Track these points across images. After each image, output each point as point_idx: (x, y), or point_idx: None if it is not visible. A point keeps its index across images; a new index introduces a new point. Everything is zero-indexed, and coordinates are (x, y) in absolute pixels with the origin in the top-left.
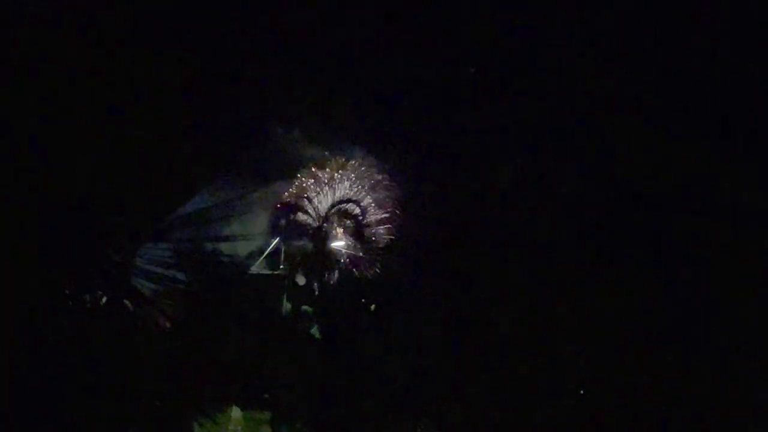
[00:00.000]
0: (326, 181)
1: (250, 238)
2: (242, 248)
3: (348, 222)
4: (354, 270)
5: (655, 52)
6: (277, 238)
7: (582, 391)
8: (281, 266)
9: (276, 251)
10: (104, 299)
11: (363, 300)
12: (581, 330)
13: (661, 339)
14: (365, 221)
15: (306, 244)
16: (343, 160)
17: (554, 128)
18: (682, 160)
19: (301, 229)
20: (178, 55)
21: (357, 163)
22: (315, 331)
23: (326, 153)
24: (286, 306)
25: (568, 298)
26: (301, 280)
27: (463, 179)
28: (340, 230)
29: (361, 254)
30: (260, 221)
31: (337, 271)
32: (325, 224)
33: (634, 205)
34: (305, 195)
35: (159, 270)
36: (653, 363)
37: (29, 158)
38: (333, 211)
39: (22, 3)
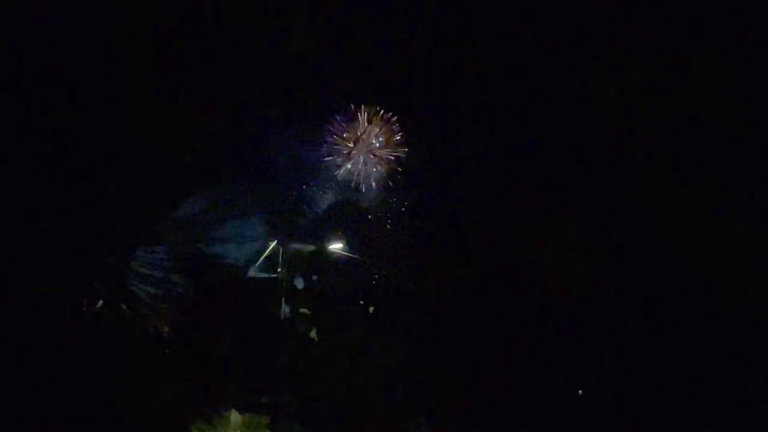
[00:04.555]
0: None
1: (248, 241)
2: (240, 251)
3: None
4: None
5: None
6: (275, 241)
7: (581, 391)
8: (279, 269)
9: (273, 254)
10: (101, 303)
11: (362, 302)
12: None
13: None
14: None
15: (304, 246)
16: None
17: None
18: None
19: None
20: (176, 56)
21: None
22: (314, 333)
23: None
24: (285, 309)
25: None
26: (299, 283)
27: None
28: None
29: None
30: (258, 223)
31: (335, 273)
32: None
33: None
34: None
35: (156, 273)
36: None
37: (27, 162)
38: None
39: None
